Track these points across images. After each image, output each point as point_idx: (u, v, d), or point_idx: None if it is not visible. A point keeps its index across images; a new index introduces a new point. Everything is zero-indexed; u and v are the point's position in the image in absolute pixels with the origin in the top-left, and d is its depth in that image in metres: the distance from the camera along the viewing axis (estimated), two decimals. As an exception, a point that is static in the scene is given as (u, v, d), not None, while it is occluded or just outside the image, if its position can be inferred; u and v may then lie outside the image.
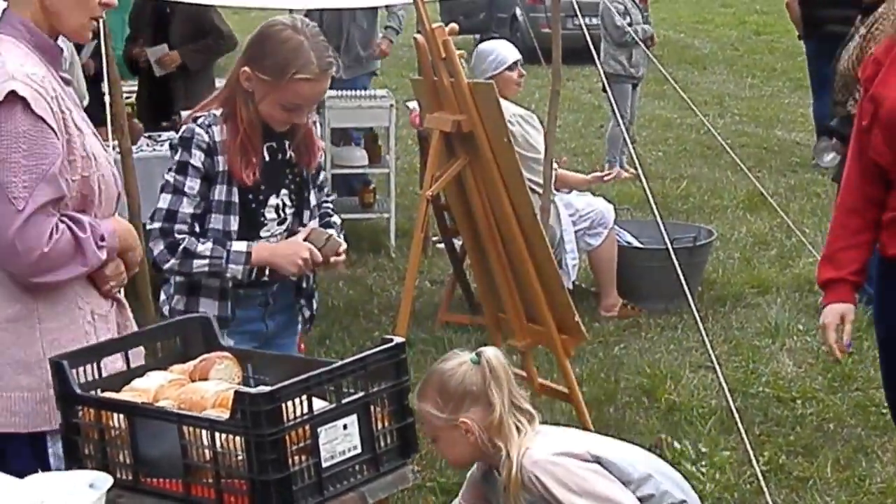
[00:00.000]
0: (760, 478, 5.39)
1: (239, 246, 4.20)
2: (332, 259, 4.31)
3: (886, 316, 4.46)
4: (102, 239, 3.45)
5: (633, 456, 3.96)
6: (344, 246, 4.37)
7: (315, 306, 4.58)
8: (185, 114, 8.22)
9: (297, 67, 4.10)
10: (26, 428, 3.46)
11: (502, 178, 5.83)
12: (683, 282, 5.78)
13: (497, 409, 3.81)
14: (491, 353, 3.92)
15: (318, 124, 4.56)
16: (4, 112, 3.30)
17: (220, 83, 9.94)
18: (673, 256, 5.93)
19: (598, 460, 3.79)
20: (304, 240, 4.27)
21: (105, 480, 2.98)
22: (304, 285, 4.48)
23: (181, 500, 3.01)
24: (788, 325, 7.75)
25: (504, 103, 6.25)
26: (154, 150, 8.34)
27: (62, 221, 3.36)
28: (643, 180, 6.36)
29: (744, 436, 5.52)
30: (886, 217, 4.28)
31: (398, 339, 3.16)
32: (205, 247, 4.18)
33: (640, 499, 3.80)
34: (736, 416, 5.50)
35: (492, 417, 3.81)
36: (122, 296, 3.71)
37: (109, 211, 3.59)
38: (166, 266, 4.23)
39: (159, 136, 8.67)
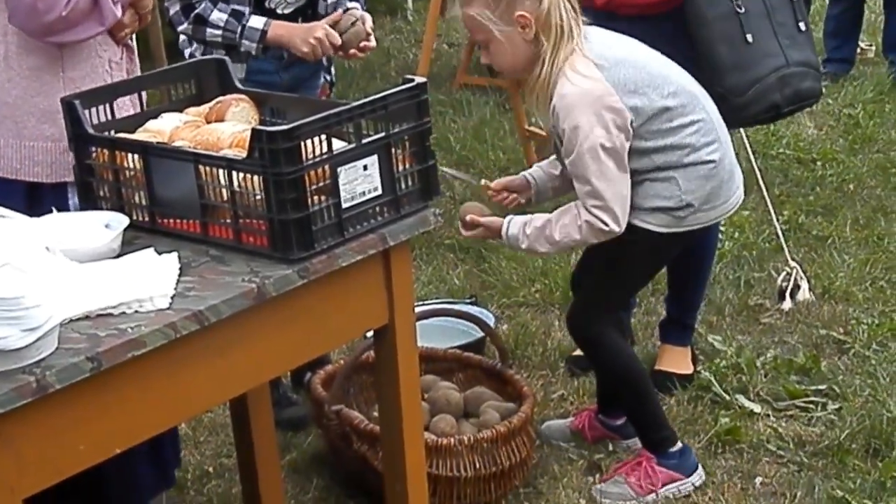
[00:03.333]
0: (780, 235, 5.36)
1: (255, 22, 4.06)
2: (352, 50, 4.16)
3: None
4: None
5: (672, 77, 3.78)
6: (372, 43, 4.21)
7: (333, 72, 4.46)
8: None
9: None
10: (49, 178, 3.40)
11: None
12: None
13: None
14: None
15: None
16: None
17: None
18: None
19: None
20: (331, 25, 4.10)
21: (121, 221, 2.95)
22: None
23: (199, 240, 2.95)
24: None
25: None
26: None
27: None
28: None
29: (765, 194, 5.47)
30: None
31: (420, 79, 3.05)
32: (219, 16, 4.05)
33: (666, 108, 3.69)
34: (758, 175, 5.43)
35: (541, 9, 3.61)
36: (132, 42, 3.61)
37: None
38: (180, 28, 4.12)
39: None
